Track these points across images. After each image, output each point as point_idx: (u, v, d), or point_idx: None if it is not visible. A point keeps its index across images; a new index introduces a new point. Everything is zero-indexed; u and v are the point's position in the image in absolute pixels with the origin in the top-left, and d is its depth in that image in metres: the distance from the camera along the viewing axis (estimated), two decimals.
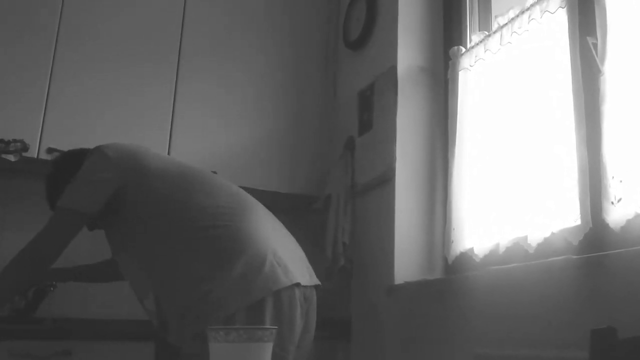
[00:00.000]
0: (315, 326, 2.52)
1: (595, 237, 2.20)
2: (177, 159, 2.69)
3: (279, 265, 2.30)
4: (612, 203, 2.12)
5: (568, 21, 2.42)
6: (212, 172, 3.01)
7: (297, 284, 2.32)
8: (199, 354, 2.19)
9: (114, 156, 2.45)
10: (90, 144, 3.29)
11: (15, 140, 3.12)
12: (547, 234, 2.36)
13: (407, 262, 3.06)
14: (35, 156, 3.23)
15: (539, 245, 2.39)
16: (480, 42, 2.94)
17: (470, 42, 3.11)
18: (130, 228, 2.44)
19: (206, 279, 2.24)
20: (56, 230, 2.43)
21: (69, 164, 2.55)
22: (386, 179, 3.21)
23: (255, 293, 2.22)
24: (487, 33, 2.92)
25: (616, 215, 2.10)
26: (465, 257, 2.85)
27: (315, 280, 2.51)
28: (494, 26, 2.86)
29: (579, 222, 2.24)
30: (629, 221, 2.06)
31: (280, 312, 2.25)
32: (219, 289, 2.21)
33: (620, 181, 2.11)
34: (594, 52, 2.30)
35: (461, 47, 3.12)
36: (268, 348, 1.41)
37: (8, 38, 3.29)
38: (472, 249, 2.78)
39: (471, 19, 3.23)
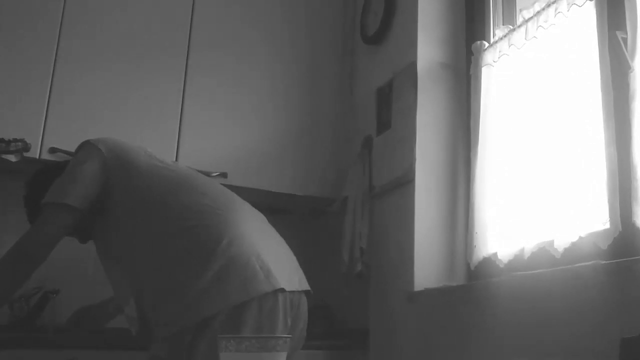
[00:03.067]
0: (305, 334, 2.53)
1: (625, 241, 2.20)
2: (175, 162, 2.76)
3: (261, 269, 2.29)
4: None
5: (596, 15, 2.42)
6: (222, 173, 3.04)
7: (281, 290, 2.31)
8: (164, 358, 2.24)
9: (104, 150, 2.49)
10: None
11: (16, 140, 3.13)
12: (575, 238, 2.36)
13: (427, 267, 3.06)
14: (37, 156, 3.25)
15: (566, 250, 2.39)
16: (505, 36, 2.95)
17: (493, 37, 3.11)
18: (114, 230, 2.47)
19: (183, 280, 2.25)
20: (45, 227, 2.41)
21: (43, 180, 2.60)
22: (405, 181, 3.21)
23: (233, 297, 2.22)
24: (511, 27, 2.93)
25: None
26: (489, 263, 2.85)
27: (305, 286, 2.51)
28: (519, 20, 2.87)
29: (608, 225, 2.23)
30: None
31: (260, 319, 2.24)
32: (193, 290, 2.22)
33: None
34: (623, 47, 2.30)
35: (484, 42, 3.12)
36: (281, 358, 1.42)
37: (10, 33, 3.31)
38: (495, 254, 2.78)
39: (495, 12, 3.23)
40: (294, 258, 2.58)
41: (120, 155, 2.51)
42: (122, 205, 2.44)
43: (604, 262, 2.15)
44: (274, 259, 2.38)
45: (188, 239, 2.33)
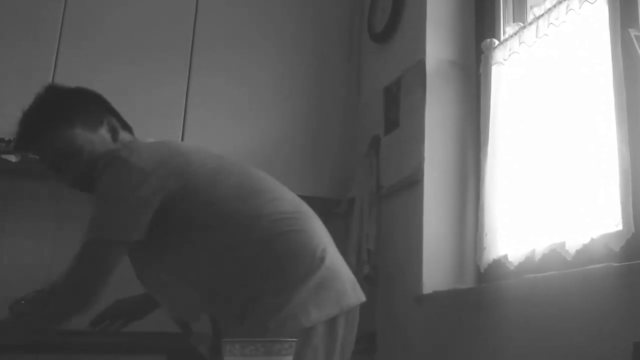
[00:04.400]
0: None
1: (638, 243, 2.20)
2: (214, 151, 2.52)
3: (348, 280, 2.28)
4: None
5: (609, 12, 2.42)
6: None
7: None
8: None
9: (147, 166, 2.23)
10: None
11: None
12: (587, 240, 2.36)
13: (436, 270, 3.07)
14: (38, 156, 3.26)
15: (577, 252, 2.39)
16: (515, 34, 2.95)
17: (504, 35, 3.12)
18: (177, 244, 2.26)
19: (280, 291, 2.15)
20: (97, 268, 2.18)
21: (61, 105, 2.42)
22: (414, 181, 3.22)
23: (331, 309, 2.18)
24: (522, 24, 2.93)
25: None
26: (499, 265, 2.86)
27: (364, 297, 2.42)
28: (530, 17, 2.87)
29: (620, 227, 2.23)
30: None
31: (346, 332, 2.24)
32: (294, 301, 2.13)
33: None
34: (636, 44, 2.30)
35: (494, 39, 3.13)
36: None
37: (10, 32, 3.33)
38: (506, 256, 2.79)
39: (505, 9, 3.23)
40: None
41: (167, 164, 2.28)
42: (188, 218, 2.24)
43: (616, 264, 2.15)
44: (347, 269, 2.35)
45: (282, 248, 2.22)
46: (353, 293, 2.26)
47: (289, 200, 2.39)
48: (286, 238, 2.23)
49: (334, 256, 2.29)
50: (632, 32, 2.33)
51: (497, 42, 3.10)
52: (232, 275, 2.21)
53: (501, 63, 3.02)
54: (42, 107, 2.41)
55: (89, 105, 2.44)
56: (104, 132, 2.41)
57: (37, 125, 2.38)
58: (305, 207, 2.41)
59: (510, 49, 2.97)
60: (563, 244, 2.44)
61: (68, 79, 3.32)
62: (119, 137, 2.44)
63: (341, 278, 2.25)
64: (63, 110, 2.39)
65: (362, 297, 2.31)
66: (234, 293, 2.19)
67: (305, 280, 2.16)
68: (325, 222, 2.41)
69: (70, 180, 2.43)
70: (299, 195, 2.37)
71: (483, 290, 2.87)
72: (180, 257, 2.28)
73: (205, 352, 2.29)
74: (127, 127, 2.54)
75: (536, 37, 2.80)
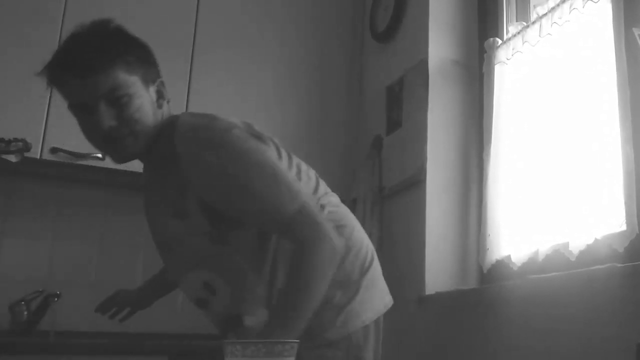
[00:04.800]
0: None
1: None
2: None
3: (383, 279, 2.30)
4: None
5: (612, 11, 2.42)
6: None
7: None
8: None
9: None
10: None
11: (16, 140, 3.13)
12: (590, 241, 2.36)
13: (438, 270, 3.07)
14: (38, 156, 3.26)
15: (581, 252, 2.39)
16: (518, 33, 2.95)
17: (507, 34, 3.12)
18: (257, 234, 2.11)
19: (346, 285, 2.13)
20: (322, 227, 1.96)
21: (129, 42, 2.09)
22: (416, 181, 3.23)
23: (380, 306, 2.21)
24: (525, 24, 2.93)
25: None
26: (502, 266, 2.86)
27: None
28: (533, 16, 2.87)
29: (624, 227, 2.24)
30: None
31: (380, 333, 2.24)
32: (357, 296, 2.14)
33: None
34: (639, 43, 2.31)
35: (497, 39, 3.13)
36: None
37: (10, 29, 3.33)
38: (509, 257, 2.79)
39: (508, 8, 3.24)
40: None
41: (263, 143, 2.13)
42: None
43: (620, 265, 2.16)
44: None
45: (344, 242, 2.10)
46: (387, 294, 2.29)
47: (332, 193, 2.36)
48: (343, 232, 2.16)
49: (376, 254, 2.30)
50: (636, 31, 2.34)
51: (500, 42, 3.11)
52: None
53: (504, 62, 3.03)
54: (105, 37, 2.04)
55: (150, 57, 2.14)
56: (152, 93, 2.07)
57: (96, 55, 1.94)
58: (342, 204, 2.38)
59: (513, 49, 2.97)
60: (567, 245, 2.45)
61: None
62: (163, 104, 2.13)
63: (382, 277, 2.27)
64: (130, 48, 2.05)
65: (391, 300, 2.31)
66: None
67: (364, 277, 2.17)
68: None
69: (103, 133, 1.98)
70: None
71: (486, 291, 2.88)
72: (260, 242, 2.12)
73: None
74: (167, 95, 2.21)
75: (539, 36, 2.80)
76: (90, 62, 1.92)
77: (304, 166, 2.28)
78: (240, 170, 1.96)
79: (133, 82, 1.98)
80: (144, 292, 2.73)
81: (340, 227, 2.15)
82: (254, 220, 2.03)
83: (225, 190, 1.97)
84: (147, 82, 2.05)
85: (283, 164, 2.08)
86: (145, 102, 2.01)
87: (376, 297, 2.20)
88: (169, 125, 2.06)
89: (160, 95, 2.12)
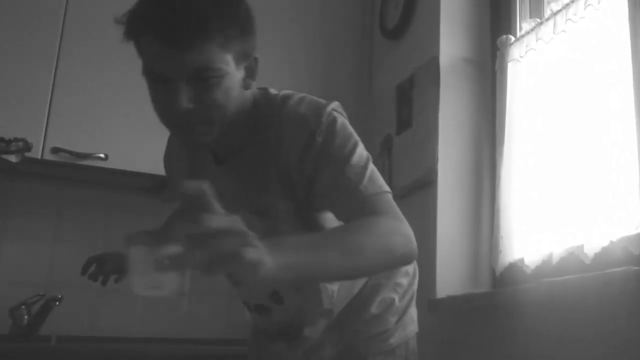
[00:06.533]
0: None
1: None
2: None
3: None
4: None
5: (628, 7, 2.42)
6: None
7: None
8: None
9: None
10: (100, 143, 3.35)
11: (16, 139, 3.14)
12: (606, 243, 2.36)
13: (450, 273, 3.08)
14: (39, 156, 3.27)
15: (596, 255, 2.40)
16: (532, 30, 2.96)
17: (520, 31, 3.13)
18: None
19: (406, 292, 2.16)
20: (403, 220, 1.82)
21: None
22: (427, 182, 3.24)
23: (416, 311, 2.22)
24: (539, 20, 2.94)
25: None
26: (515, 269, 2.87)
27: None
28: (547, 13, 2.88)
29: None
30: None
31: None
32: (411, 302, 2.17)
33: None
34: None
35: (510, 36, 3.14)
36: None
37: (11, 27, 3.34)
38: (522, 260, 2.79)
39: (521, 5, 3.24)
40: None
41: None
42: None
43: (636, 267, 2.16)
44: None
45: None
46: None
47: None
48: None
49: None
50: None
51: (513, 39, 3.11)
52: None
53: (517, 60, 3.03)
54: (203, 3, 1.70)
55: (251, 28, 1.91)
56: (242, 72, 1.85)
57: (192, 23, 1.66)
58: None
59: (526, 46, 2.98)
60: (581, 247, 2.45)
61: (70, 77, 3.36)
62: (251, 84, 1.92)
63: None
64: (233, 19, 1.79)
65: None
66: (362, 290, 2.11)
67: (414, 282, 2.19)
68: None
69: (176, 115, 1.76)
70: None
71: (499, 295, 2.88)
72: None
73: (297, 355, 2.19)
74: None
75: (553, 33, 2.80)
76: (183, 32, 1.65)
77: None
78: (348, 144, 1.89)
79: (227, 61, 1.74)
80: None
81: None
82: (332, 192, 1.83)
83: (326, 161, 1.84)
84: (240, 59, 1.81)
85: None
86: (234, 85, 1.79)
87: (415, 303, 2.21)
88: (260, 109, 1.95)
89: (250, 73, 1.90)
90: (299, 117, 1.88)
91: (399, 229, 1.74)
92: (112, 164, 3.31)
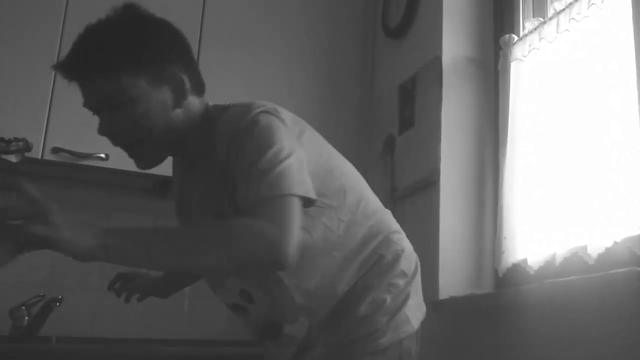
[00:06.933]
0: None
1: None
2: None
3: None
4: None
5: (632, 6, 2.42)
6: None
7: None
8: None
9: (291, 126, 2.03)
10: (100, 143, 3.33)
11: (16, 139, 3.14)
12: (609, 244, 2.36)
13: (453, 274, 3.08)
14: (39, 157, 3.27)
15: (599, 255, 2.39)
16: (535, 29, 2.96)
17: (523, 30, 3.13)
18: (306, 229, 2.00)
19: (399, 290, 2.13)
20: (293, 223, 1.76)
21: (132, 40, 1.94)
22: (430, 182, 3.24)
23: (422, 312, 2.20)
24: (542, 20, 2.94)
25: None
26: (518, 269, 2.87)
27: None
28: (550, 12, 2.88)
29: None
30: None
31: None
32: (408, 301, 2.13)
33: None
34: None
35: (513, 35, 3.14)
36: None
37: (11, 27, 3.35)
38: (525, 260, 2.79)
39: (524, 4, 3.24)
40: None
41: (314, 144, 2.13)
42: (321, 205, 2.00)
43: None
44: None
45: (395, 247, 2.17)
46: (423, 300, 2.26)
47: (375, 197, 2.34)
48: (391, 237, 2.19)
49: None
50: None
51: (516, 38, 3.11)
52: (341, 273, 2.10)
53: (520, 60, 3.03)
54: (113, 32, 1.93)
55: (166, 52, 2.00)
56: (166, 93, 1.95)
57: (96, 56, 1.87)
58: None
59: (529, 45, 2.98)
60: (585, 248, 2.45)
61: None
62: (185, 103, 1.99)
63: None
64: (141, 45, 1.94)
65: None
66: (342, 291, 2.11)
67: (411, 282, 2.16)
68: None
69: (109, 139, 1.98)
70: None
71: (502, 296, 2.88)
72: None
73: (286, 354, 2.22)
74: (198, 89, 2.09)
75: (557, 32, 2.80)
76: (87, 65, 1.87)
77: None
78: (261, 145, 1.85)
79: (139, 86, 1.88)
80: (160, 280, 2.66)
81: (392, 233, 2.19)
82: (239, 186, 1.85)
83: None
84: (157, 82, 1.92)
85: (300, 154, 1.91)
86: (152, 106, 1.91)
87: (420, 304, 2.20)
88: (211, 120, 2.02)
89: (177, 93, 1.97)
90: (228, 119, 1.97)
91: (260, 234, 1.71)
92: (113, 164, 3.31)
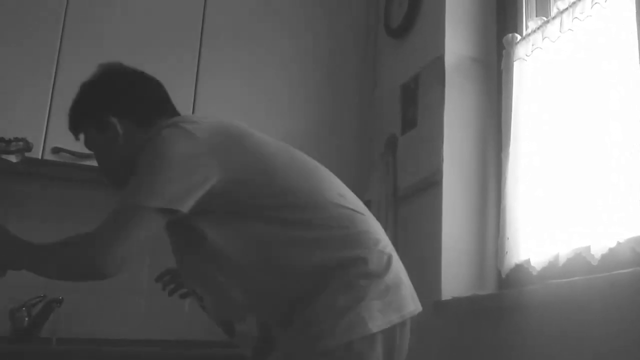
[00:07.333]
0: None
1: None
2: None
3: (409, 286, 2.23)
4: None
5: (636, 5, 2.42)
6: None
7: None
8: None
9: (210, 135, 2.12)
10: None
11: (17, 139, 3.15)
12: (613, 244, 2.36)
13: (455, 275, 3.08)
14: (40, 157, 3.29)
15: (603, 256, 2.39)
16: (538, 29, 2.96)
17: (526, 29, 3.12)
18: (231, 231, 2.13)
19: (348, 290, 2.08)
20: (124, 233, 1.96)
21: (112, 84, 2.44)
22: (432, 183, 3.24)
23: (394, 315, 2.12)
24: (545, 19, 2.94)
25: None
26: (521, 270, 2.87)
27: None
28: (553, 11, 2.88)
29: None
30: None
31: (402, 342, 2.19)
32: (363, 302, 2.07)
33: None
34: None
35: (516, 34, 3.14)
36: None
37: (12, 27, 3.35)
38: (528, 261, 2.80)
39: (527, 3, 3.24)
40: None
41: (226, 139, 2.17)
42: (246, 201, 2.12)
43: None
44: (406, 275, 2.29)
45: (346, 243, 2.14)
46: (412, 302, 2.21)
47: (350, 197, 2.32)
48: (354, 237, 2.17)
49: (397, 260, 2.24)
50: None
51: (519, 38, 3.11)
52: (287, 274, 2.13)
53: (523, 59, 3.03)
54: (84, 93, 2.46)
55: (104, 106, 2.38)
56: (108, 133, 2.32)
57: (71, 114, 2.44)
58: (364, 207, 2.35)
59: (533, 45, 2.98)
60: (588, 248, 2.44)
61: (70, 76, 3.36)
62: (122, 137, 2.32)
63: (403, 284, 2.20)
64: (95, 104, 2.41)
65: (419, 307, 2.25)
66: (287, 292, 2.13)
67: (373, 282, 2.11)
68: None
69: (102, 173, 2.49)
70: None
71: (504, 297, 2.88)
72: (225, 247, 2.12)
73: (248, 354, 2.26)
74: (145, 122, 2.35)
75: (560, 32, 2.80)
76: (69, 120, 2.42)
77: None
78: (148, 157, 2.08)
79: (92, 133, 2.37)
80: None
81: (358, 233, 2.17)
82: None
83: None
84: (100, 128, 2.34)
85: (197, 164, 2.07)
86: (101, 145, 2.37)
87: (391, 305, 2.12)
88: None
89: (113, 133, 2.33)
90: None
91: (78, 244, 2.03)
92: None
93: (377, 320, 2.07)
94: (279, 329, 2.13)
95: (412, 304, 2.20)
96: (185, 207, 2.01)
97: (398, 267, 2.22)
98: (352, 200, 2.30)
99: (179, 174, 2.03)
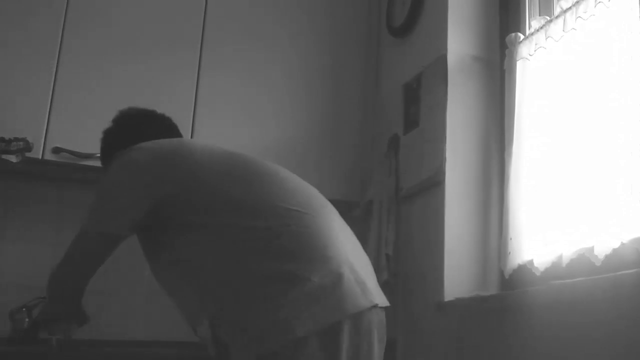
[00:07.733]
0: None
1: None
2: (228, 148, 2.56)
3: (357, 282, 2.20)
4: None
5: None
6: None
7: (375, 306, 2.23)
8: None
9: (145, 160, 2.37)
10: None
11: (17, 139, 3.15)
12: (617, 245, 2.35)
13: (458, 275, 3.08)
14: (40, 157, 3.29)
15: (607, 257, 2.38)
16: (541, 28, 2.96)
17: (529, 29, 3.13)
18: (179, 241, 2.31)
19: (273, 295, 2.12)
20: (81, 257, 2.42)
21: (130, 125, 2.76)
22: (435, 183, 3.24)
23: (329, 315, 2.11)
24: (548, 18, 2.93)
25: None
26: (524, 270, 2.87)
27: (386, 301, 2.38)
28: (556, 10, 2.88)
29: None
30: None
31: (358, 339, 2.15)
32: (287, 307, 2.09)
33: None
34: None
35: (519, 34, 3.13)
36: None
37: (12, 27, 3.35)
38: (531, 261, 2.79)
39: (530, 2, 3.24)
40: (373, 269, 2.45)
41: (168, 158, 2.39)
42: (188, 213, 2.31)
43: None
44: (364, 270, 2.30)
45: (279, 247, 2.20)
46: (363, 296, 2.19)
47: (298, 197, 2.36)
48: (279, 242, 2.21)
49: (344, 256, 2.24)
50: None
51: (522, 37, 3.11)
52: (222, 277, 2.22)
53: (526, 58, 3.03)
54: (108, 134, 2.76)
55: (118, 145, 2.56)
56: None
57: (104, 151, 2.74)
58: (317, 203, 2.39)
59: (536, 44, 2.98)
60: (592, 249, 2.44)
61: (71, 76, 3.37)
62: None
63: (344, 282, 2.17)
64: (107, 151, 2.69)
65: (375, 301, 2.23)
66: (227, 296, 2.20)
67: (297, 286, 2.12)
68: None
69: None
70: None
71: (507, 297, 2.88)
72: (179, 254, 2.33)
73: (212, 355, 2.28)
74: None
75: (563, 31, 2.80)
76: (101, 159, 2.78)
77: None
78: (105, 180, 2.44)
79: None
80: None
81: (283, 234, 2.23)
82: None
83: None
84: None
85: (133, 189, 2.36)
86: None
87: (324, 306, 2.12)
88: None
89: None
90: None
91: (52, 269, 2.45)
92: None
93: (307, 324, 2.08)
94: (225, 334, 2.19)
95: (361, 299, 2.19)
96: (124, 230, 2.36)
97: (342, 264, 2.21)
98: (302, 201, 2.35)
99: (118, 200, 2.35)
